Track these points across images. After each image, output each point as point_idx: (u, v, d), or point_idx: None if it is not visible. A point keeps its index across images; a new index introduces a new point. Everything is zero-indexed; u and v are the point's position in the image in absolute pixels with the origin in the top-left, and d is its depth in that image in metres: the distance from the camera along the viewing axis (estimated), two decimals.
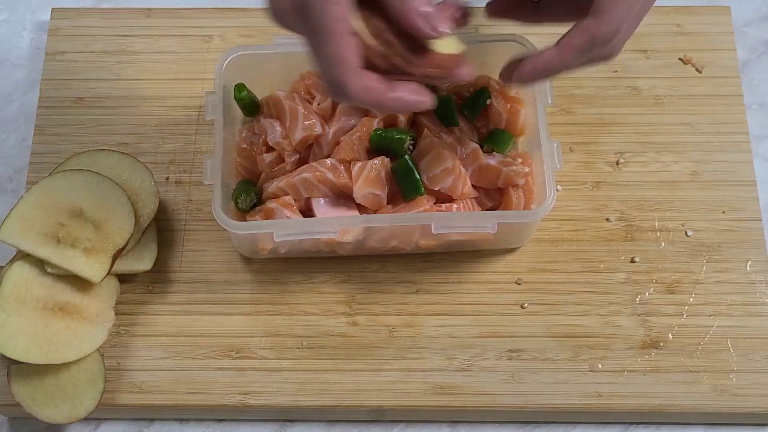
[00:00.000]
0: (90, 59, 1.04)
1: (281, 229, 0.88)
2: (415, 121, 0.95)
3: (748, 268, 0.94)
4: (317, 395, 0.90)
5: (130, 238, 0.92)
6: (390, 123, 0.94)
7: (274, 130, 0.94)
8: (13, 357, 0.86)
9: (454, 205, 0.91)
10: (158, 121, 1.01)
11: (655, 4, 0.78)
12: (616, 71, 1.02)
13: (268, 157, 0.94)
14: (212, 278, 0.94)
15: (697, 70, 1.03)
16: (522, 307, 0.93)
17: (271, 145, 0.94)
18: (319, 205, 0.91)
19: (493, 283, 0.94)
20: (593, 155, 0.99)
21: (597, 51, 0.76)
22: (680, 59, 1.03)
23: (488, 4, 0.84)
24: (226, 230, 0.88)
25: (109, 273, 0.91)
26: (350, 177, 0.90)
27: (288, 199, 0.91)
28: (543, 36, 0.84)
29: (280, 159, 0.94)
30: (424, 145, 0.91)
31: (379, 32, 0.74)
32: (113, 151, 0.97)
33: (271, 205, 0.91)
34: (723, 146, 1.00)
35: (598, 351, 0.91)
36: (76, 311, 0.89)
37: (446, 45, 0.76)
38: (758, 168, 0.99)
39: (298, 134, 0.92)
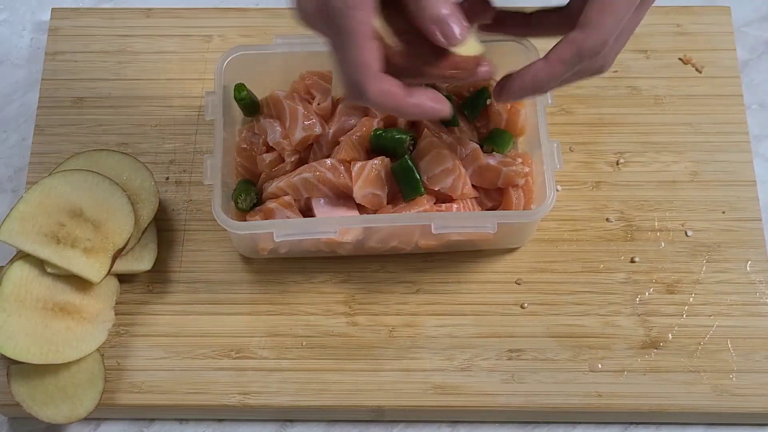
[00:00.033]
0: (90, 59, 1.04)
1: (281, 229, 0.88)
2: (415, 121, 0.94)
3: (748, 268, 0.94)
4: (317, 395, 0.90)
5: (130, 238, 0.92)
6: (390, 123, 0.94)
7: (274, 130, 0.94)
8: (13, 357, 0.86)
9: (454, 205, 0.91)
10: (158, 121, 1.01)
11: (655, 4, 0.78)
12: (616, 71, 1.02)
13: (268, 157, 0.94)
14: (212, 278, 0.95)
15: (697, 70, 1.03)
16: (522, 307, 0.93)
17: (271, 145, 0.94)
18: (319, 205, 0.91)
19: (493, 283, 0.94)
20: (593, 155, 0.99)
21: (586, 64, 0.76)
22: (680, 59, 1.03)
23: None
24: (226, 230, 0.88)
25: (109, 273, 0.91)
26: (350, 177, 0.90)
27: (288, 199, 0.91)
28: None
29: (280, 159, 0.94)
30: (424, 145, 0.91)
31: (400, 32, 0.74)
32: (113, 151, 0.97)
33: (271, 205, 0.91)
34: (723, 146, 1.00)
35: (598, 351, 0.91)
36: (76, 311, 0.89)
37: (466, 46, 0.76)
38: (758, 168, 0.99)
39: (298, 134, 0.93)
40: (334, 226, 0.88)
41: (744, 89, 1.03)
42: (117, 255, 0.91)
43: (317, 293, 0.94)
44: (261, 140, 0.95)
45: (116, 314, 0.91)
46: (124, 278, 0.94)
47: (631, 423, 0.91)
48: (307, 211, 0.92)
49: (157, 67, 1.03)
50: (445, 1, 0.71)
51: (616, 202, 0.97)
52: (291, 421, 0.92)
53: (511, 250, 0.95)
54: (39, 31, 1.08)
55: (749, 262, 0.95)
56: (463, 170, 0.91)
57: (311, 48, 0.95)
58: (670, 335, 0.92)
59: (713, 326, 0.92)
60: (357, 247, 0.93)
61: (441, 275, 0.94)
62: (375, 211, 0.91)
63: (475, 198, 0.92)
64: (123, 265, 0.93)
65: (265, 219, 0.90)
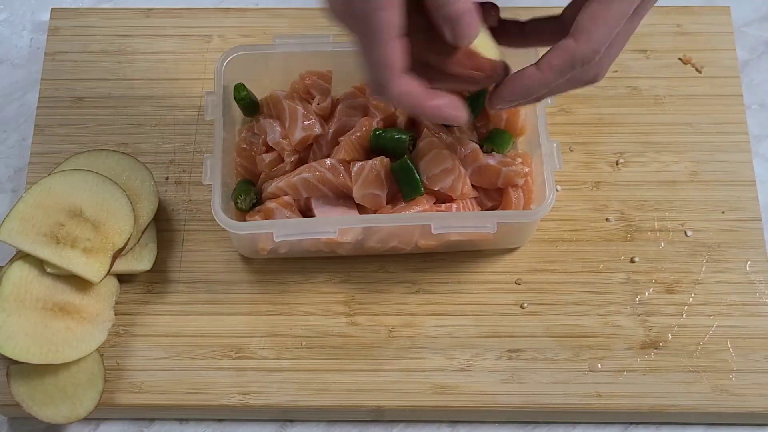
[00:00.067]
0: (90, 59, 1.04)
1: (281, 229, 0.88)
2: (414, 121, 0.95)
3: (747, 268, 0.94)
4: (317, 395, 0.90)
5: (129, 238, 0.92)
6: (390, 123, 0.94)
7: (273, 130, 0.94)
8: (13, 357, 0.86)
9: (454, 205, 0.91)
10: (158, 121, 1.01)
11: (655, 5, 0.78)
12: (616, 71, 1.02)
13: (267, 157, 0.94)
14: (212, 278, 0.94)
15: (697, 70, 1.03)
16: (522, 307, 0.93)
17: (270, 145, 0.94)
18: (319, 205, 0.91)
19: (493, 283, 0.94)
20: (593, 155, 0.99)
21: (578, 72, 0.75)
22: (680, 59, 1.03)
23: None
24: (225, 230, 0.88)
25: (108, 273, 0.91)
26: (350, 177, 0.90)
27: (288, 199, 0.91)
28: None
29: (280, 159, 0.94)
30: (423, 145, 0.91)
31: (425, 29, 0.74)
32: (113, 151, 0.97)
33: (270, 205, 0.91)
34: (723, 146, 1.00)
35: (597, 351, 0.91)
36: (75, 311, 0.89)
37: (486, 50, 0.76)
38: (758, 168, 0.99)
39: (298, 134, 0.93)
40: (334, 226, 0.88)
41: (744, 89, 1.03)
42: (117, 255, 0.91)
43: (317, 293, 0.94)
44: (261, 140, 0.95)
45: (116, 314, 0.91)
46: (124, 278, 0.94)
47: (631, 423, 0.91)
48: (306, 211, 0.92)
49: (157, 67, 1.03)
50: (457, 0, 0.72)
51: (616, 202, 0.97)
52: (291, 421, 0.92)
53: (511, 250, 0.95)
54: (39, 31, 1.08)
55: (749, 262, 0.95)
56: (462, 170, 0.91)
57: (311, 48, 0.95)
58: (669, 335, 0.92)
59: (713, 326, 0.92)
60: (357, 247, 0.93)
61: (441, 275, 0.94)
62: (375, 211, 0.91)
63: (475, 198, 0.92)
64: (123, 265, 0.93)
65: (265, 219, 0.90)
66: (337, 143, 0.93)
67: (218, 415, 0.91)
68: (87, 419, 0.89)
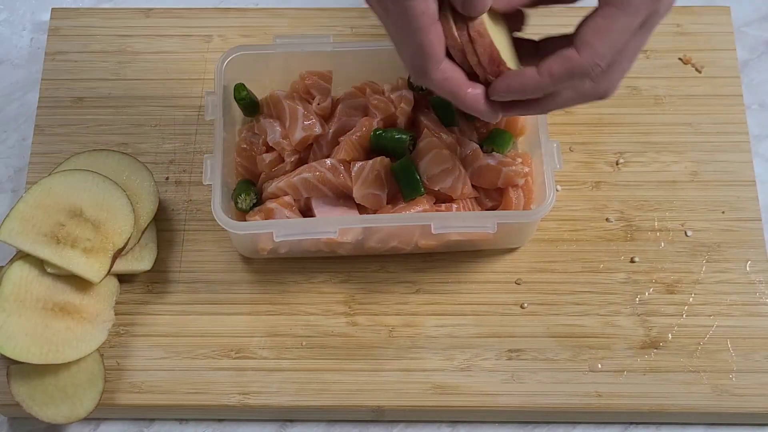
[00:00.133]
0: (90, 59, 1.04)
1: (281, 229, 0.88)
2: (415, 121, 0.95)
3: (747, 268, 0.94)
4: (317, 395, 0.90)
5: (129, 238, 0.92)
6: (390, 123, 0.94)
7: (273, 130, 0.94)
8: (13, 357, 0.86)
9: (454, 205, 0.91)
10: (158, 121, 1.01)
11: None
12: None
13: (267, 157, 0.94)
14: (212, 278, 0.94)
15: (697, 70, 1.03)
16: (522, 307, 0.93)
17: (270, 145, 0.94)
18: (319, 205, 0.91)
19: (493, 283, 0.94)
20: (593, 155, 0.99)
21: (578, 84, 0.75)
22: (680, 59, 1.03)
23: None
24: (226, 230, 0.88)
25: (108, 273, 0.91)
26: (350, 177, 0.90)
27: (288, 199, 0.91)
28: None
29: (280, 159, 0.94)
30: (424, 145, 0.91)
31: (460, 31, 0.75)
32: (113, 151, 0.97)
33: (271, 205, 0.91)
34: (723, 146, 1.00)
35: (598, 351, 0.91)
36: (76, 311, 0.89)
37: (508, 61, 0.76)
38: (758, 168, 0.99)
39: (298, 134, 0.93)
40: (334, 226, 0.88)
41: (744, 89, 1.03)
42: (117, 255, 0.91)
43: (317, 293, 0.94)
44: (261, 140, 0.95)
45: (116, 314, 0.91)
46: (124, 278, 0.94)
47: (631, 423, 0.91)
48: (307, 211, 0.92)
49: (157, 67, 1.03)
50: None
51: (616, 202, 0.97)
52: (291, 421, 0.92)
53: (511, 250, 0.95)
54: (39, 31, 1.08)
55: (749, 262, 0.95)
56: (463, 170, 0.91)
57: (311, 48, 0.95)
58: (669, 335, 0.92)
59: (713, 326, 0.92)
60: (357, 247, 0.93)
61: (441, 275, 0.94)
62: (375, 211, 0.91)
63: (475, 198, 0.92)
64: (123, 265, 0.93)
65: (265, 219, 0.90)
66: (338, 143, 0.93)
67: (218, 415, 0.91)
68: (87, 419, 0.89)
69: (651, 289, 0.94)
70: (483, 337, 0.92)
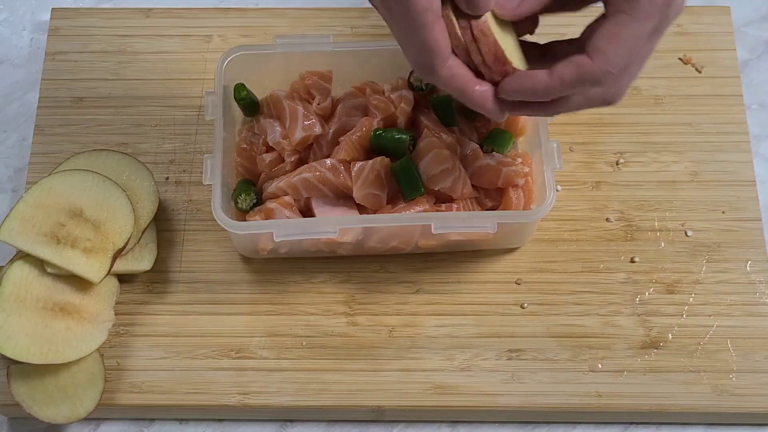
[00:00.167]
0: (90, 59, 1.04)
1: (281, 229, 0.88)
2: (415, 121, 0.95)
3: (748, 268, 0.94)
4: (317, 395, 0.90)
5: (129, 238, 0.92)
6: (390, 123, 0.94)
7: (273, 130, 0.94)
8: (13, 357, 0.86)
9: (454, 205, 0.91)
10: (158, 121, 1.01)
11: None
12: None
13: (268, 157, 0.94)
14: (212, 278, 0.94)
15: (697, 70, 1.03)
16: (522, 307, 0.93)
17: (271, 145, 0.94)
18: (319, 205, 0.91)
19: (493, 283, 0.94)
20: (593, 155, 0.99)
21: (588, 90, 0.75)
22: (680, 59, 1.03)
23: None
24: (226, 230, 0.88)
25: (108, 273, 0.91)
26: (350, 177, 0.90)
27: (288, 199, 0.91)
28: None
29: (280, 159, 0.94)
30: (424, 145, 0.91)
31: (463, 30, 0.75)
32: (113, 151, 0.97)
33: (271, 205, 0.91)
34: (723, 146, 1.00)
35: (598, 351, 0.91)
36: (76, 311, 0.89)
37: (515, 60, 0.76)
38: (758, 168, 0.99)
39: (298, 134, 0.93)
40: (334, 226, 0.88)
41: (744, 89, 1.03)
42: (117, 255, 0.91)
43: (317, 293, 0.94)
44: (261, 140, 0.95)
45: (116, 314, 0.91)
46: (124, 278, 0.94)
47: (631, 423, 0.91)
48: (307, 211, 0.92)
49: (157, 67, 1.03)
50: None
51: (616, 202, 0.97)
52: (291, 421, 0.92)
53: (511, 250, 0.95)
54: (39, 31, 1.08)
55: (749, 262, 0.95)
56: (463, 170, 0.91)
57: (311, 48, 0.95)
58: (670, 335, 0.92)
59: (713, 326, 0.92)
60: (357, 247, 0.93)
61: (441, 275, 0.94)
62: (375, 211, 0.91)
63: (475, 198, 0.92)
64: (123, 265, 0.93)
65: (265, 219, 0.90)
66: (338, 143, 0.93)
67: (218, 415, 0.91)
68: (87, 419, 0.89)
69: (651, 289, 0.94)
70: (483, 337, 0.92)
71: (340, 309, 0.93)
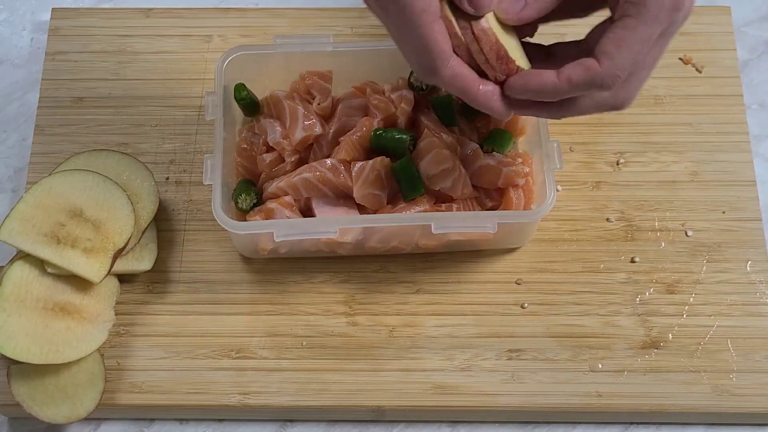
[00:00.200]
0: (90, 59, 1.04)
1: (281, 229, 0.88)
2: (415, 121, 0.95)
3: (748, 268, 0.94)
4: (317, 395, 0.90)
5: (130, 238, 0.92)
6: (390, 123, 0.94)
7: (274, 130, 0.94)
8: (13, 357, 0.86)
9: (454, 205, 0.91)
10: (158, 121, 1.01)
11: None
12: None
13: (268, 157, 0.94)
14: (212, 278, 0.94)
15: (697, 70, 1.03)
16: (522, 307, 0.93)
17: (271, 145, 0.94)
18: (319, 205, 0.91)
19: (493, 283, 0.94)
20: (593, 155, 0.99)
21: (597, 94, 0.75)
22: (680, 59, 1.03)
23: None
24: (226, 230, 0.88)
25: (109, 273, 0.91)
26: (350, 177, 0.90)
27: (288, 199, 0.91)
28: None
29: (280, 159, 0.94)
30: (424, 145, 0.91)
31: (464, 30, 0.74)
32: (113, 151, 0.97)
33: (271, 205, 0.91)
34: (723, 146, 1.00)
35: (598, 351, 0.91)
36: (76, 311, 0.89)
37: (518, 58, 0.76)
38: (758, 168, 0.99)
39: (298, 134, 0.93)
40: (334, 226, 0.88)
41: (744, 89, 1.03)
42: (117, 255, 0.91)
43: (317, 293, 0.94)
44: (261, 140, 0.95)
45: (116, 314, 0.91)
46: (124, 278, 0.94)
47: (631, 423, 0.91)
48: (307, 211, 0.92)
49: (157, 67, 1.03)
50: None
51: (616, 202, 0.97)
52: (291, 421, 0.92)
53: (511, 250, 0.95)
54: (39, 31, 1.08)
55: (749, 262, 0.95)
56: (463, 170, 0.91)
57: (311, 48, 0.95)
58: (670, 335, 0.92)
59: (713, 326, 0.92)
60: (357, 247, 0.93)
61: (441, 275, 0.94)
62: (375, 211, 0.91)
63: (475, 198, 0.92)
64: (123, 265, 0.93)
65: (265, 219, 0.90)
66: (338, 143, 0.93)
67: (218, 415, 0.91)
68: (87, 419, 0.89)
69: (651, 289, 0.94)
70: (483, 337, 0.92)
71: (340, 309, 0.93)
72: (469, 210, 0.91)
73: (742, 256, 0.95)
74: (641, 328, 0.92)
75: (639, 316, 0.92)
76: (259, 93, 0.96)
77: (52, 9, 1.06)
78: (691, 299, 0.93)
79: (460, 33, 0.74)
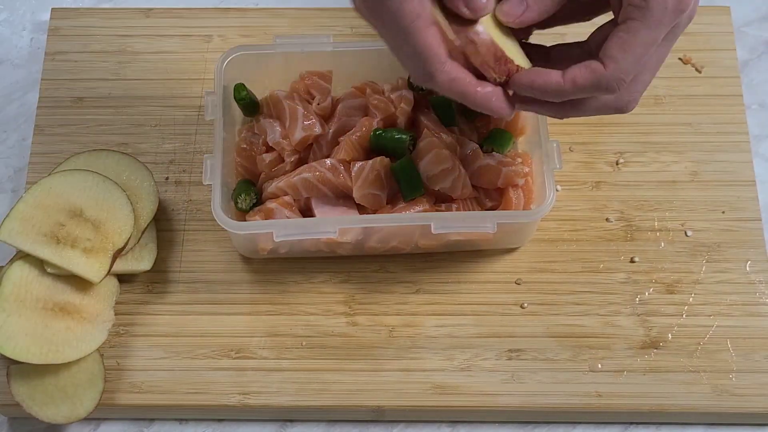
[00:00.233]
0: (90, 59, 1.04)
1: (281, 229, 0.88)
2: (415, 121, 0.95)
3: (747, 268, 0.94)
4: (317, 395, 0.90)
5: (129, 238, 0.92)
6: (390, 123, 0.94)
7: (273, 130, 0.94)
8: (13, 357, 0.86)
9: (454, 205, 0.91)
10: (158, 121, 1.01)
11: None
12: None
13: (267, 157, 0.94)
14: (212, 278, 0.94)
15: (697, 70, 1.03)
16: (522, 307, 0.93)
17: (270, 145, 0.94)
18: (319, 205, 0.91)
19: (493, 283, 0.94)
20: (593, 155, 0.99)
21: (601, 96, 0.75)
22: (680, 59, 1.03)
23: None
24: (225, 230, 0.88)
25: (108, 273, 0.91)
26: (350, 177, 0.90)
27: (288, 199, 0.91)
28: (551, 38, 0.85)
29: (280, 159, 0.94)
30: (424, 145, 0.91)
31: (458, 31, 0.74)
32: (113, 151, 0.97)
33: (271, 205, 0.91)
34: (723, 146, 1.00)
35: (598, 351, 0.91)
36: (76, 311, 0.89)
37: (518, 59, 0.76)
38: (758, 168, 0.99)
39: (298, 134, 0.93)
40: (334, 226, 0.88)
41: (744, 89, 1.03)
42: (117, 255, 0.91)
43: (317, 293, 0.94)
44: (261, 140, 0.95)
45: (116, 314, 0.91)
46: (124, 278, 0.94)
47: (631, 423, 0.91)
48: (307, 211, 0.92)
49: (157, 67, 1.03)
50: None
51: (616, 202, 0.97)
52: (291, 421, 0.92)
53: (511, 250, 0.95)
54: (39, 31, 1.08)
55: (749, 262, 0.95)
56: (463, 170, 0.91)
57: (311, 48, 0.95)
58: (670, 335, 0.92)
59: (713, 326, 0.92)
60: (357, 247, 0.93)
61: (441, 275, 0.94)
62: (375, 211, 0.91)
63: (475, 198, 0.92)
64: (123, 265, 0.93)
65: (265, 219, 0.90)
66: (337, 143, 0.93)
67: (218, 415, 0.91)
68: (87, 419, 0.89)
69: (651, 289, 0.94)
70: (483, 337, 0.92)
71: (340, 309, 0.93)
72: (469, 210, 0.91)
73: (741, 256, 0.95)
74: (641, 328, 0.92)
75: (639, 316, 0.92)
76: (259, 93, 0.97)
77: (52, 9, 1.06)
78: (691, 299, 0.93)
79: (453, 37, 0.74)
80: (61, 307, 0.89)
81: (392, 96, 0.94)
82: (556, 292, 0.94)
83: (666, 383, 0.90)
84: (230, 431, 0.91)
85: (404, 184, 0.91)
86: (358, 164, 0.90)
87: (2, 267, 0.91)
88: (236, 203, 0.92)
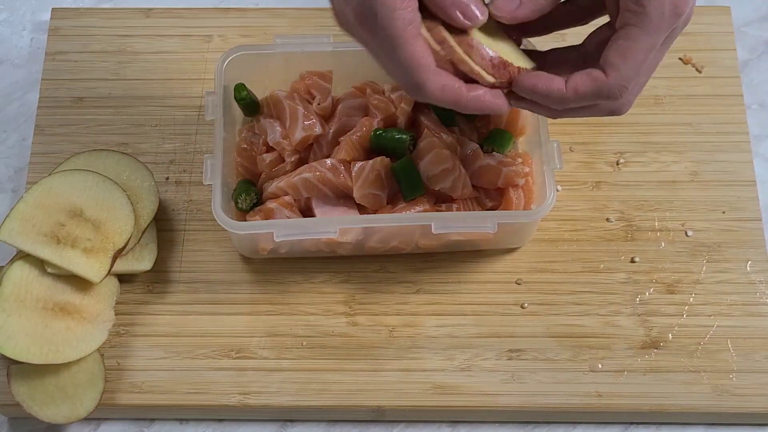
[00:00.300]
0: (90, 59, 1.04)
1: (281, 229, 0.88)
2: (415, 121, 0.95)
3: (748, 268, 0.94)
4: (317, 395, 0.90)
5: (130, 238, 0.92)
6: (390, 123, 0.94)
7: (274, 130, 0.94)
8: (13, 357, 0.86)
9: (454, 205, 0.91)
10: (158, 121, 1.01)
11: None
12: None
13: (268, 157, 0.94)
14: (212, 278, 0.94)
15: (697, 70, 1.03)
16: (522, 307, 0.93)
17: (271, 145, 0.94)
18: (319, 205, 0.91)
19: (493, 283, 0.94)
20: (593, 155, 0.99)
21: (602, 104, 0.75)
22: (680, 59, 1.03)
23: None
24: (226, 230, 0.88)
25: (109, 273, 0.91)
26: (350, 177, 0.90)
27: (288, 199, 0.91)
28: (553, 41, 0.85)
29: (280, 159, 0.94)
30: (424, 145, 0.91)
31: (442, 40, 0.74)
32: (113, 151, 0.97)
33: (271, 205, 0.91)
34: (723, 146, 1.00)
35: (598, 351, 0.91)
36: (76, 311, 0.89)
37: (518, 60, 0.76)
38: (758, 168, 0.99)
39: (298, 134, 0.93)
40: (334, 226, 0.88)
41: (744, 89, 1.03)
42: (117, 255, 0.91)
43: (317, 293, 0.94)
44: (261, 140, 0.95)
45: (116, 314, 0.91)
46: (124, 278, 0.94)
47: (631, 423, 0.91)
48: (307, 211, 0.92)
49: (157, 67, 1.03)
50: None
51: (616, 202, 0.97)
52: (291, 421, 0.92)
53: (511, 250, 0.95)
54: (39, 31, 1.08)
55: (749, 262, 0.95)
56: (463, 170, 0.91)
57: (311, 48, 0.95)
58: (670, 335, 0.92)
59: (713, 326, 0.92)
60: (357, 247, 0.93)
61: (441, 275, 0.94)
62: (375, 211, 0.91)
63: (475, 198, 0.92)
64: (123, 265, 0.93)
65: (265, 219, 0.90)
66: (338, 143, 0.93)
67: (218, 415, 0.91)
68: (87, 419, 0.89)
69: (651, 289, 0.94)
70: (483, 337, 0.92)
71: (340, 309, 0.93)
72: (469, 210, 0.91)
73: (742, 256, 0.95)
74: (641, 328, 0.92)
75: (639, 316, 0.92)
76: (259, 93, 0.97)
77: (52, 9, 1.06)
78: (691, 299, 0.93)
79: (438, 47, 0.74)
80: (62, 307, 0.89)
81: (392, 96, 0.94)
82: (557, 292, 0.94)
83: (666, 383, 0.90)
84: (230, 431, 0.91)
85: (404, 184, 0.91)
86: (359, 164, 0.90)
87: (2, 267, 0.91)
88: (236, 203, 0.92)
